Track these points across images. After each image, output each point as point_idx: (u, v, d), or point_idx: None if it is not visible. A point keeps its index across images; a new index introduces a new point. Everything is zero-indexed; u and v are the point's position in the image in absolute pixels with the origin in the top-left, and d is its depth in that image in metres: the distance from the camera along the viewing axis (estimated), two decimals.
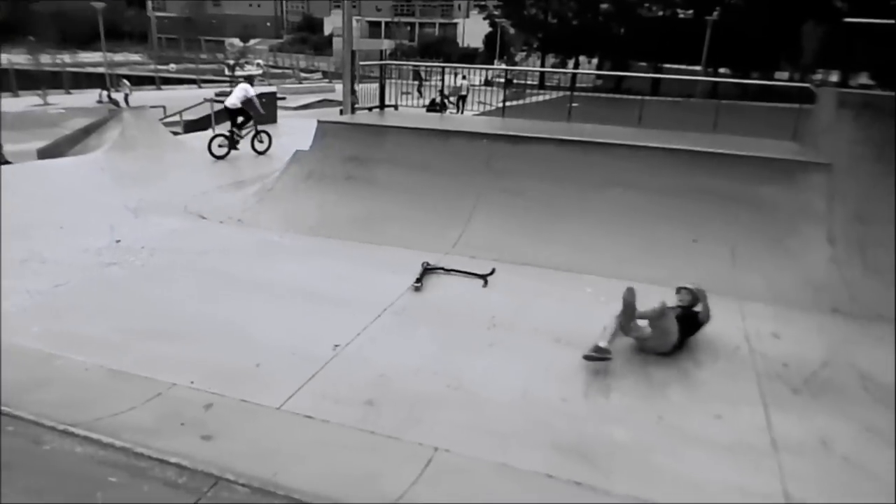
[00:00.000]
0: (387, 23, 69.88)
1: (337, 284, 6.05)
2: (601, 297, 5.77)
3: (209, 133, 17.31)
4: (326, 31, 69.86)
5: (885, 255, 6.02)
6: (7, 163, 12.91)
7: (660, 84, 30.40)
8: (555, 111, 13.72)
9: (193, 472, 3.19)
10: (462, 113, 19.30)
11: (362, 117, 10.14)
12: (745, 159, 7.13)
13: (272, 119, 19.45)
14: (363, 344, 4.90)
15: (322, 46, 66.16)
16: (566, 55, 48.03)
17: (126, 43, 61.99)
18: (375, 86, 11.69)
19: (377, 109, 11.30)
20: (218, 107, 18.88)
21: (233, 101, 12.64)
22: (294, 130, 13.11)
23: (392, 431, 3.79)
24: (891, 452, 3.73)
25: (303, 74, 48.50)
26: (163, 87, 37.64)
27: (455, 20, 70.44)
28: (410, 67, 19.41)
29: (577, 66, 46.81)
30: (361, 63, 12.32)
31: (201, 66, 47.10)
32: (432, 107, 16.30)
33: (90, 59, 47.44)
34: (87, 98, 29.05)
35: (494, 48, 49.18)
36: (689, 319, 4.94)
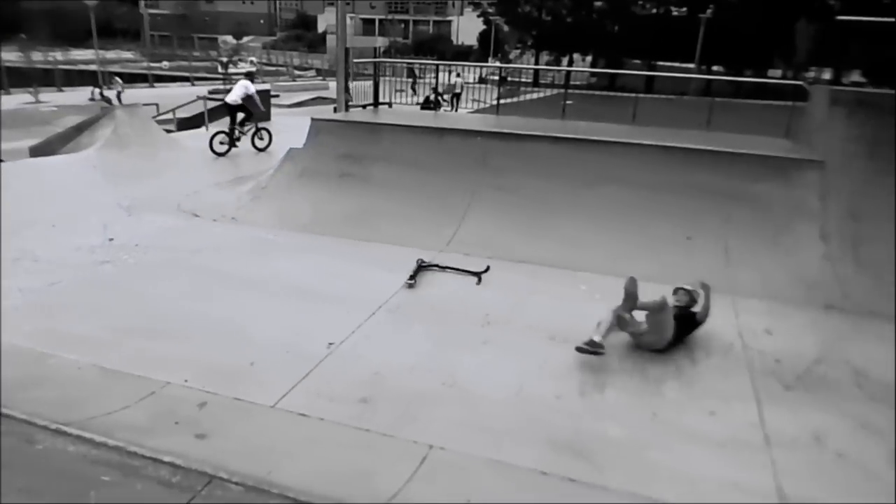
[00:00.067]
0: (381, 20, 69.73)
1: (331, 282, 6.04)
2: (595, 294, 5.79)
3: (202, 131, 17.29)
4: (320, 29, 69.71)
5: (878, 251, 6.05)
6: None
7: (654, 81, 30.40)
8: (549, 109, 13.71)
9: (187, 471, 3.18)
10: (456, 111, 19.28)
11: (356, 115, 10.12)
12: (739, 157, 7.16)
13: (266, 117, 19.38)
14: (357, 342, 4.90)
15: (316, 44, 66.01)
16: (560, 53, 48.02)
17: (118, 40, 61.62)
18: (369, 83, 11.66)
19: (371, 107, 11.28)
20: (211, 104, 18.85)
21: (234, 97, 12.60)
22: (288, 128, 13.06)
23: (387, 429, 3.78)
24: (885, 448, 3.75)
25: (296, 72, 48.36)
26: (155, 84, 37.47)
27: (449, 18, 70.32)
28: (405, 65, 19.40)
29: (571, 63, 46.82)
30: (355, 60, 12.27)
31: (194, 64, 46.94)
32: (426, 104, 16.28)
33: (82, 56, 47.20)
34: (80, 96, 28.89)
35: (489, 46, 49.14)
36: (686, 319, 4.95)
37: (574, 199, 7.27)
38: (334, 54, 11.07)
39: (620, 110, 13.12)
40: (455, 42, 63.99)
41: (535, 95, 19.04)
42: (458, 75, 21.44)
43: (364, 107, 11.21)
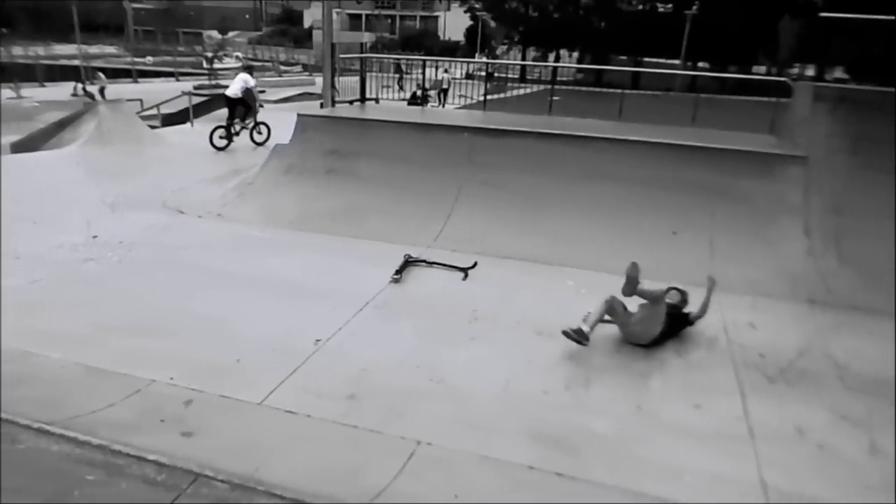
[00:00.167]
0: (367, 15, 69.32)
1: (318, 278, 6.02)
2: (582, 289, 5.82)
3: (187, 127, 17.15)
4: (306, 24, 69.24)
5: (860, 246, 6.13)
6: None
7: (640, 78, 30.55)
8: (536, 104, 13.73)
9: (172, 469, 3.16)
10: (443, 106, 19.27)
11: (343, 111, 10.07)
12: (724, 152, 7.21)
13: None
14: (345, 338, 4.89)
15: (302, 39, 65.56)
16: (547, 49, 48.07)
17: (101, 35, 60.88)
18: (356, 79, 11.61)
19: (358, 103, 11.24)
20: (196, 100, 18.69)
21: (233, 90, 12.57)
22: (274, 124, 13.00)
23: (374, 425, 3.79)
24: (864, 439, 3.81)
25: (283, 67, 48.01)
26: (139, 79, 37.05)
27: (436, 13, 70.11)
28: (392, 61, 19.34)
29: (557, 59, 46.88)
30: (342, 56, 12.20)
31: (179, 59, 46.38)
32: (413, 100, 16.25)
33: (64, 51, 46.55)
34: (62, 91, 28.50)
35: (475, 41, 49.11)
36: (676, 318, 4.99)
37: (561, 195, 7.29)
38: (321, 50, 11.03)
39: (607, 106, 13.16)
40: (442, 37, 63.81)
41: (522, 91, 19.06)
42: (445, 71, 21.42)
43: (351, 102, 11.17)
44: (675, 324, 4.95)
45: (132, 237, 6.95)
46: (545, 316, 5.28)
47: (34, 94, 27.85)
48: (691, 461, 3.58)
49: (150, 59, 49.99)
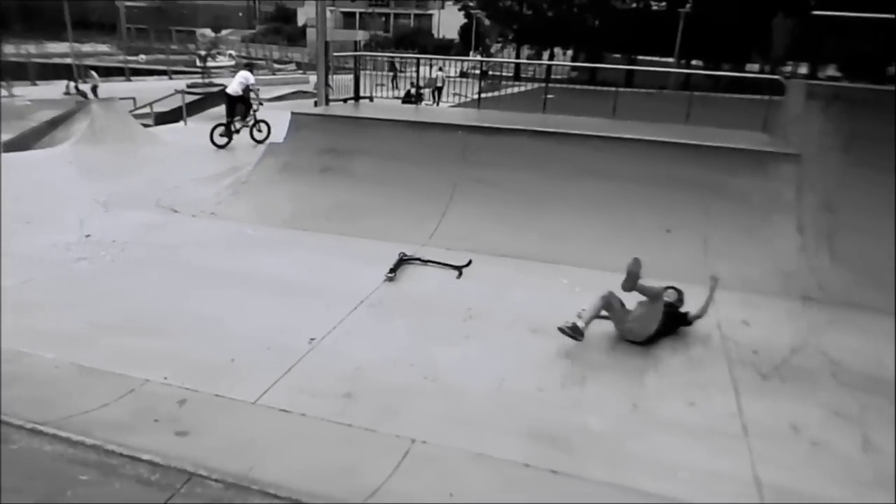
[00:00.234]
0: (361, 13, 69.23)
1: (312, 277, 6.01)
2: (576, 286, 5.84)
3: (181, 125, 17.09)
4: (300, 22, 69.06)
5: (853, 243, 6.16)
6: None
7: (634, 76, 30.62)
8: (530, 103, 13.75)
9: (166, 469, 3.15)
10: (438, 104, 19.25)
11: (337, 109, 10.05)
12: (717, 150, 7.24)
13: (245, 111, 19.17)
14: (339, 337, 4.88)
15: (296, 37, 65.40)
16: (541, 47, 48.11)
17: (94, 33, 60.56)
18: (350, 77, 11.59)
19: (352, 101, 11.21)
20: (189, 98, 18.62)
21: (234, 88, 12.58)
22: (272, 122, 12.97)
23: (369, 424, 3.78)
24: (857, 436, 3.83)
25: (276, 66, 47.90)
26: (132, 78, 36.87)
27: (430, 11, 70.00)
28: (386, 59, 19.31)
29: (552, 57, 46.91)
30: (336, 54, 12.16)
31: (172, 57, 46.21)
32: (408, 98, 16.22)
33: (57, 49, 46.29)
34: (54, 89, 28.33)
35: (470, 39, 49.08)
36: (673, 317, 5.01)
37: (555, 193, 7.30)
38: (314, 48, 10.96)
39: (601, 104, 13.17)
40: (436, 36, 63.77)
41: (516, 89, 19.09)
42: (439, 69, 21.40)
43: (345, 101, 11.14)
44: (671, 322, 4.96)
45: (125, 236, 6.92)
46: (539, 314, 5.28)
47: (26, 92, 27.67)
48: (686, 458, 3.59)
49: (142, 57, 49.78)
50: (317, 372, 4.36)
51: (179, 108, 17.84)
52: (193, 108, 18.79)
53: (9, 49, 43.01)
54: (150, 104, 18.28)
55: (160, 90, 20.61)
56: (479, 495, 3.24)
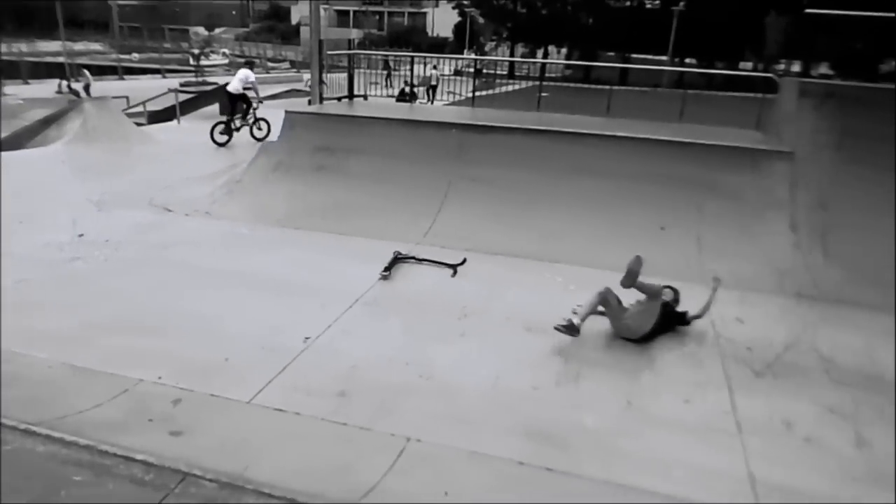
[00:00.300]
0: (355, 12, 69.07)
1: (307, 276, 6.00)
2: (571, 285, 5.85)
3: (174, 124, 17.02)
4: (294, 20, 68.82)
5: (846, 240, 6.19)
6: None
7: (628, 74, 30.65)
8: (524, 101, 13.76)
9: (160, 469, 3.14)
10: (432, 103, 19.23)
11: (331, 107, 10.03)
12: (711, 148, 7.26)
13: (239, 110, 19.11)
14: (334, 336, 4.87)
15: (289, 35, 65.17)
16: (535, 45, 48.17)
17: (86, 31, 60.26)
18: (344, 75, 11.57)
19: (346, 99, 11.19)
20: (183, 97, 18.55)
21: (235, 85, 12.66)
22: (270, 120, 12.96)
23: (364, 422, 3.78)
24: (850, 432, 3.85)
25: (270, 64, 47.76)
26: (125, 76, 36.75)
27: (424, 9, 69.92)
28: (380, 57, 19.25)
29: (546, 55, 46.96)
30: (330, 52, 12.14)
31: (165, 56, 46.04)
32: (402, 97, 16.21)
33: (49, 48, 46.03)
34: (46, 88, 28.12)
35: (464, 38, 49.09)
36: (669, 316, 5.02)
37: (550, 191, 7.31)
38: (308, 46, 10.95)
39: (595, 102, 13.20)
40: (430, 34, 63.70)
41: (510, 88, 19.10)
42: (434, 67, 21.37)
43: (339, 99, 11.12)
44: (667, 321, 4.98)
45: (119, 236, 6.89)
46: (534, 312, 5.29)
47: (18, 91, 27.48)
48: (680, 455, 3.60)
49: (135, 55, 49.54)
50: (312, 371, 4.35)
51: (173, 107, 17.78)
52: (187, 107, 18.73)
53: (1, 48, 42.78)
54: (144, 103, 18.22)
55: (153, 89, 20.54)
56: (475, 493, 3.25)
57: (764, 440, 3.77)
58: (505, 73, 25.90)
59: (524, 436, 3.73)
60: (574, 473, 3.42)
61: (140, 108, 18.09)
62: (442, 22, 60.20)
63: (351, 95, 11.31)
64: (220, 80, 25.09)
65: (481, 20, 50.69)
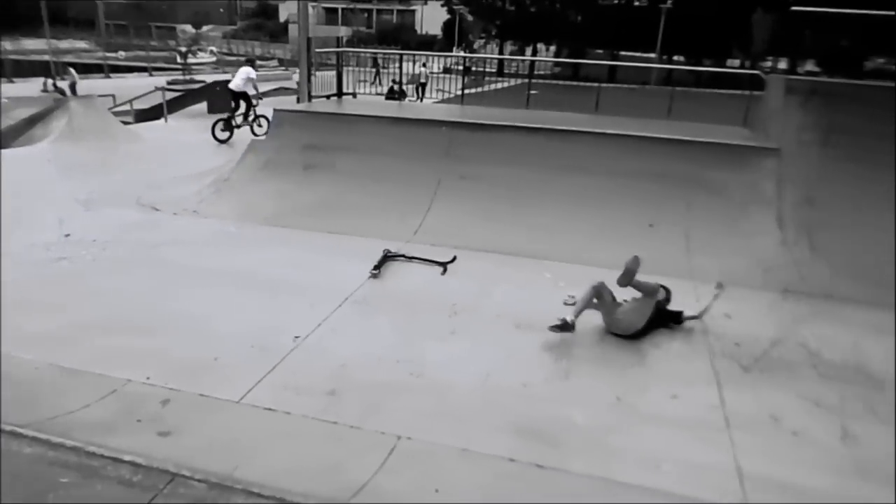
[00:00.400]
0: (343, 9, 68.79)
1: (296, 274, 5.98)
2: (560, 282, 5.86)
3: (161, 122, 16.90)
4: (282, 18, 68.37)
5: (832, 236, 6.25)
6: None
7: (616, 71, 30.75)
8: (514, 98, 13.76)
9: (149, 470, 3.12)
10: (422, 101, 19.19)
11: (320, 106, 10.00)
12: (699, 145, 7.30)
13: (227, 108, 18.99)
14: (324, 334, 4.86)
15: (278, 33, 64.73)
16: (524, 42, 48.18)
17: (71, 29, 59.58)
18: (332, 73, 11.53)
19: (335, 98, 11.16)
20: (170, 95, 18.42)
21: (237, 83, 12.86)
22: None
23: (354, 421, 3.77)
24: (836, 425, 3.89)
25: (258, 62, 47.49)
26: (111, 75, 36.40)
27: (413, 7, 69.73)
28: (368, 55, 19.19)
29: (535, 53, 47.00)
30: (318, 50, 12.09)
31: (152, 54, 45.63)
32: (391, 94, 16.17)
33: (34, 46, 45.51)
34: (31, 87, 27.84)
35: (453, 35, 49.01)
36: (661, 314, 5.05)
37: (539, 189, 7.32)
38: (296, 44, 10.89)
39: (584, 99, 13.24)
40: (419, 31, 63.57)
41: (499, 85, 19.09)
42: (423, 65, 21.32)
43: (328, 97, 11.09)
44: (658, 319, 5.01)
45: (106, 235, 6.83)
46: (524, 309, 5.31)
47: (2, 90, 27.21)
48: (669, 450, 3.63)
49: (122, 53, 49.04)
50: (301, 370, 4.34)
51: (160, 106, 17.66)
52: (174, 105, 18.61)
53: None
54: (130, 101, 18.07)
55: (140, 87, 20.36)
56: (465, 491, 3.25)
57: (752, 434, 3.80)
58: (494, 70, 25.86)
59: (515, 433, 3.73)
60: (564, 470, 3.43)
61: (127, 107, 17.94)
62: (431, 19, 60.09)
63: (340, 93, 11.29)
64: (208, 79, 24.92)
65: (470, 18, 50.63)
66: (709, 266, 6.20)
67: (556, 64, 39.19)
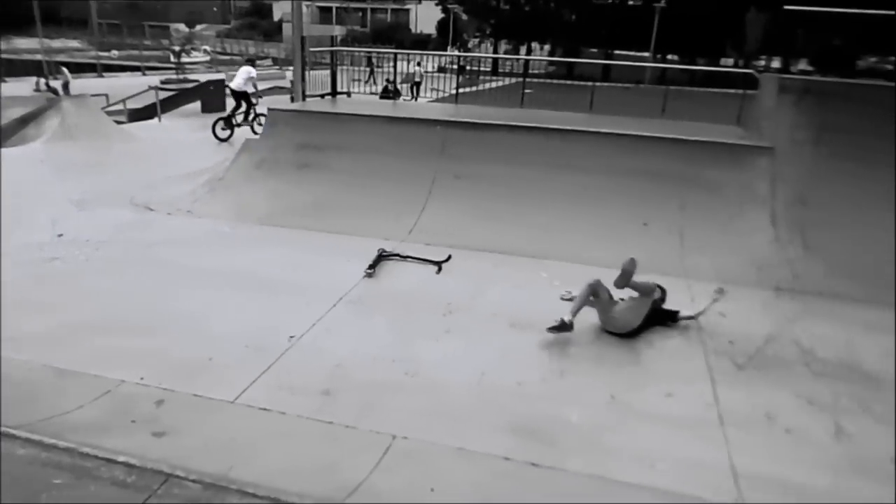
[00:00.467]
0: (338, 8, 68.65)
1: (291, 274, 5.97)
2: (555, 280, 5.86)
3: (155, 122, 16.84)
4: (276, 17, 68.16)
5: (825, 234, 6.28)
6: None
7: (611, 70, 30.81)
8: (508, 97, 13.75)
9: (143, 470, 3.11)
10: (416, 100, 19.19)
11: (314, 105, 9.98)
12: (693, 144, 7.32)
13: (221, 107, 18.94)
14: (318, 334, 4.86)
15: (272, 32, 64.55)
16: (519, 41, 48.20)
17: (64, 28, 59.28)
18: (327, 73, 11.51)
19: (329, 97, 11.14)
20: (164, 95, 18.34)
21: (238, 83, 13.09)
22: None
23: (350, 421, 3.77)
24: (829, 422, 3.91)
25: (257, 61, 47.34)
26: (105, 74, 36.20)
27: (407, 6, 69.64)
28: (363, 54, 19.15)
29: (529, 52, 47.02)
30: (312, 49, 12.07)
31: (145, 53, 45.44)
32: (385, 94, 16.16)
33: (26, 45, 45.25)
34: (24, 86, 27.69)
35: (447, 34, 48.95)
36: (657, 313, 5.07)
37: (534, 188, 7.32)
38: (291, 43, 10.88)
39: (578, 98, 13.25)
40: (413, 30, 63.51)
41: (494, 84, 19.06)
42: (417, 64, 21.31)
43: (322, 96, 11.07)
44: (654, 318, 5.02)
45: (100, 235, 6.80)
46: (519, 308, 5.31)
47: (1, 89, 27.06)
48: (664, 448, 3.64)
49: (115, 53, 48.78)
50: (296, 370, 4.33)
51: (153, 105, 17.58)
52: (168, 105, 18.53)
53: None
54: (124, 101, 17.97)
55: (133, 86, 20.24)
56: (461, 490, 3.25)
57: (746, 432, 3.82)
58: (489, 69, 25.86)
59: (510, 431, 3.74)
60: (560, 468, 3.43)
61: (120, 106, 17.84)
62: (425, 18, 60.09)
63: (334, 93, 11.26)
64: (202, 78, 24.82)
65: (465, 17, 50.62)
66: (703, 264, 6.22)
67: (551, 63, 39.22)
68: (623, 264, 4.81)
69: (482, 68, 24.37)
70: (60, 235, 6.78)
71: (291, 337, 4.75)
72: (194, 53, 45.14)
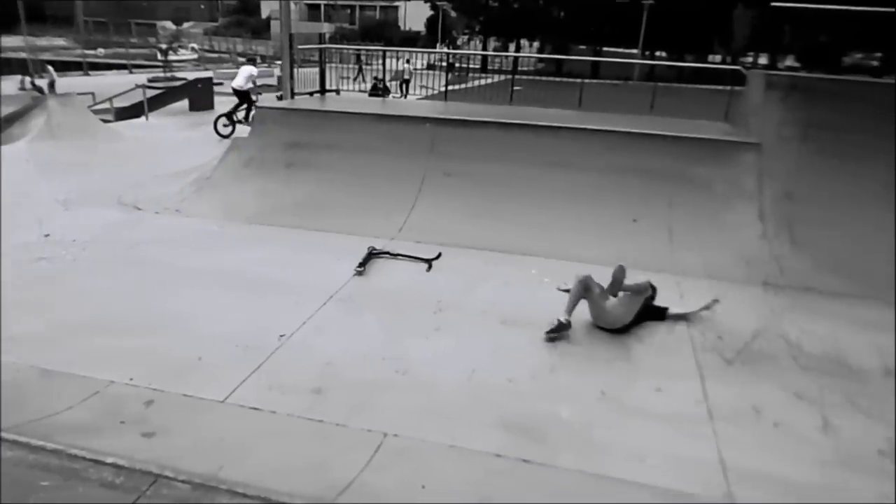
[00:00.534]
0: (326, 5, 68.32)
1: (280, 273, 5.95)
2: (545, 277, 5.88)
3: (142, 120, 16.72)
4: (264, 14, 67.77)
5: (812, 229, 6.33)
6: None
7: (599, 67, 30.91)
8: (497, 94, 13.77)
9: (131, 471, 3.09)
10: (405, 97, 19.16)
11: (303, 103, 9.93)
12: (681, 140, 7.35)
13: (209, 105, 18.85)
14: (308, 333, 4.84)
15: (259, 30, 64.16)
16: (508, 38, 48.24)
17: (49, 26, 58.70)
18: (315, 70, 11.46)
19: (318, 94, 11.09)
20: (151, 93, 18.20)
21: (239, 82, 13.35)
22: None
23: (340, 419, 3.76)
24: (816, 416, 3.95)
25: (240, 59, 47.05)
26: (91, 72, 35.87)
27: (396, 3, 69.45)
28: (352, 51, 19.11)
29: (518, 49, 47.04)
30: (300, 47, 12.02)
31: (132, 51, 45.09)
32: (374, 91, 16.12)
33: (10, 43, 44.75)
34: (8, 85, 27.41)
35: (436, 32, 48.89)
36: (648, 310, 5.10)
37: (523, 185, 7.33)
38: (279, 41, 10.81)
39: (567, 95, 13.28)
40: (402, 28, 63.40)
41: (483, 81, 19.07)
42: (406, 62, 21.29)
43: (311, 94, 11.02)
44: (645, 315, 5.05)
45: (87, 235, 6.75)
46: (509, 305, 5.32)
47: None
48: (654, 444, 3.66)
49: (101, 51, 48.36)
50: (286, 368, 4.32)
51: (140, 103, 17.46)
52: (155, 103, 18.40)
53: None
54: (110, 99, 17.83)
55: (120, 85, 20.08)
56: (453, 487, 3.26)
57: (735, 426, 3.85)
58: (478, 66, 25.87)
59: (501, 428, 3.75)
60: (551, 464, 3.45)
61: (107, 105, 17.70)
62: (414, 16, 59.94)
63: (323, 90, 11.21)
64: (189, 76, 24.66)
65: (453, 14, 50.59)
66: (691, 260, 6.26)
67: (540, 60, 39.28)
68: (613, 272, 4.90)
69: (471, 65, 24.37)
70: (47, 235, 6.72)
71: (281, 336, 4.73)
72: (181, 51, 44.78)
